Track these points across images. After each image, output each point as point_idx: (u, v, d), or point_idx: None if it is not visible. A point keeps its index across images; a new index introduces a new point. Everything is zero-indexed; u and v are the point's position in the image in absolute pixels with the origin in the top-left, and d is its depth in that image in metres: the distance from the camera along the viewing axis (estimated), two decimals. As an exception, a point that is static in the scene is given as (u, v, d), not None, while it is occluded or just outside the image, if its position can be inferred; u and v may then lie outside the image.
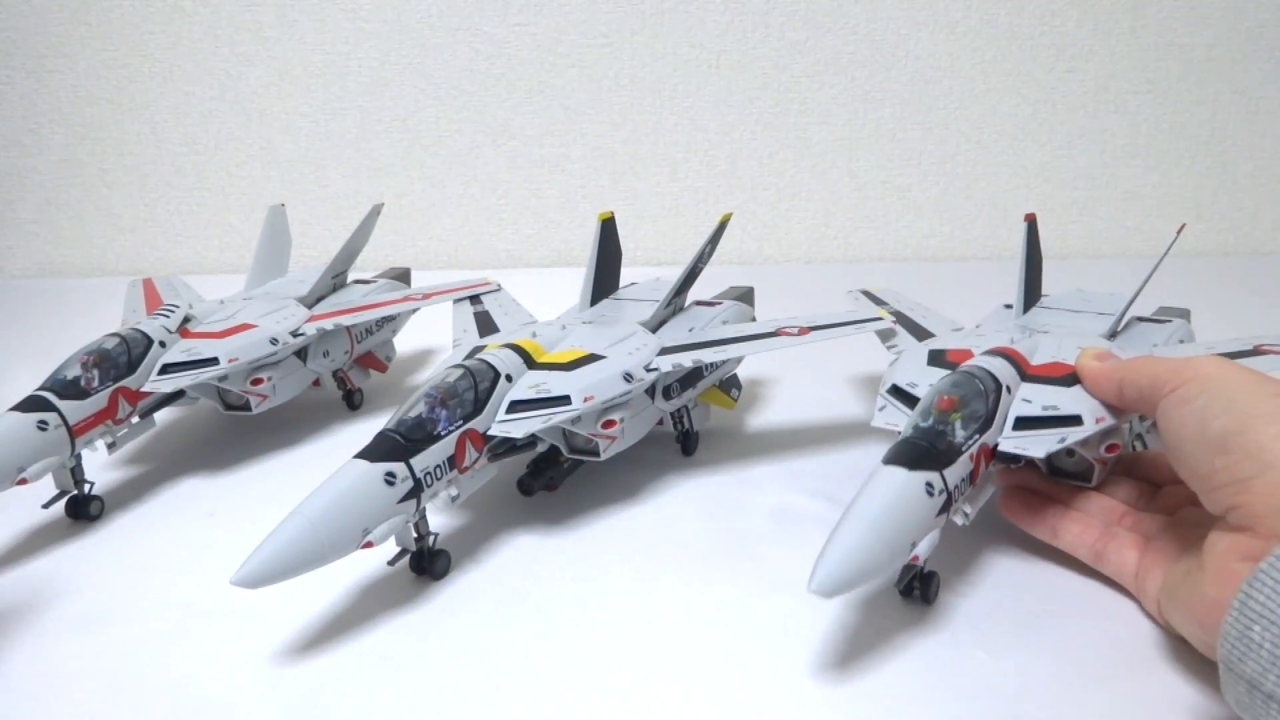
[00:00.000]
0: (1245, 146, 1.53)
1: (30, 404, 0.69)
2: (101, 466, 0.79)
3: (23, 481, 0.66)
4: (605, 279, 0.88)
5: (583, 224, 1.54)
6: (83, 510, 0.72)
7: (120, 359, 0.75)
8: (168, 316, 0.82)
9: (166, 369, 0.76)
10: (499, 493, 0.74)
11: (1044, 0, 1.45)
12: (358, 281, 1.00)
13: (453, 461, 0.63)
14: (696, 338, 0.79)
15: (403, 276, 1.04)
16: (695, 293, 0.89)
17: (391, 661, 0.56)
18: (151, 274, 1.06)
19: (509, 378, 0.68)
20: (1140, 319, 0.81)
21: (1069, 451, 0.63)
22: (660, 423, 0.78)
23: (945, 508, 0.55)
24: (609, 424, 0.69)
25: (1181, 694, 0.52)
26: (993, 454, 0.61)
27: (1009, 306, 0.85)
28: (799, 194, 1.54)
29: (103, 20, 1.44)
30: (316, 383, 0.90)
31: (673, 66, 1.47)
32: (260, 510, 0.61)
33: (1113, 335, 0.76)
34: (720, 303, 0.88)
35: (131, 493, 0.77)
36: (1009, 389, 0.63)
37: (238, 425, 0.88)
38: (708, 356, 0.74)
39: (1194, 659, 0.53)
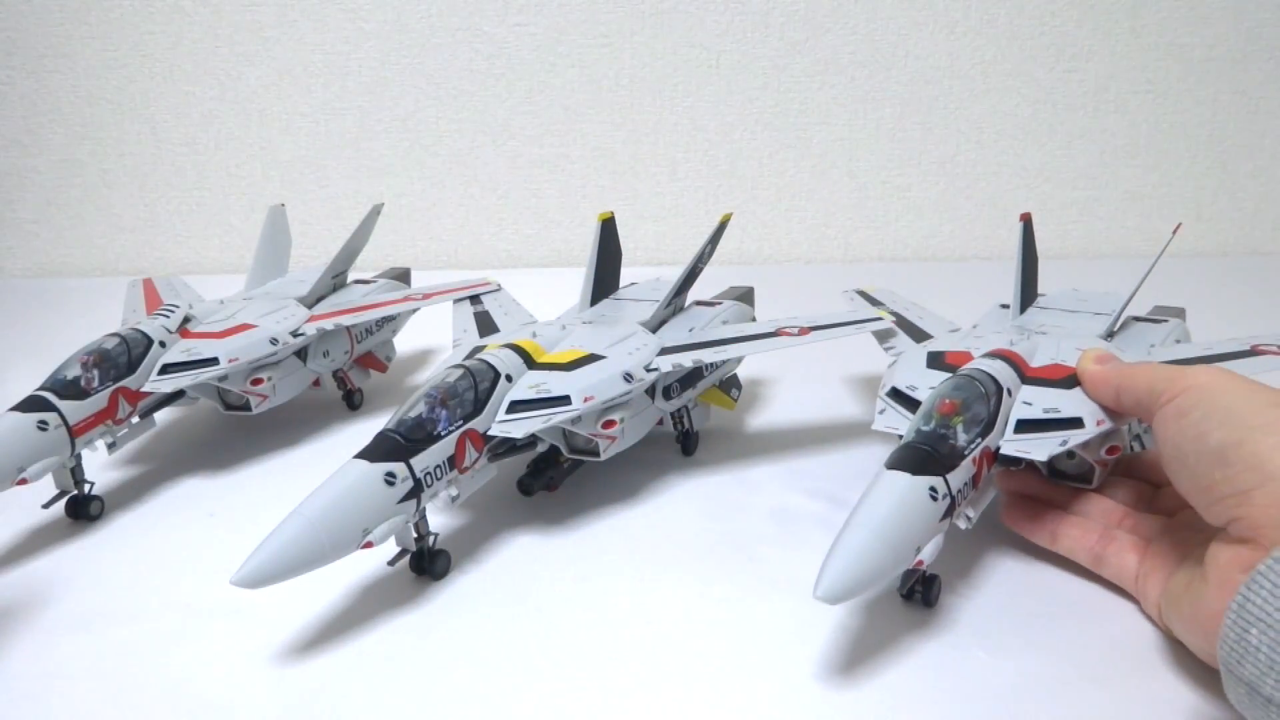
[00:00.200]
0: (1245, 146, 1.53)
1: (30, 404, 0.69)
2: (101, 466, 0.79)
3: (23, 481, 0.66)
4: (605, 279, 0.88)
5: (583, 224, 1.54)
6: (83, 510, 0.72)
7: (120, 359, 0.75)
8: (168, 316, 0.82)
9: (166, 369, 0.76)
10: (499, 493, 0.74)
11: (1044, 0, 1.45)
12: (358, 281, 1.00)
13: (453, 461, 0.63)
14: (696, 338, 0.79)
15: (403, 276, 1.04)
16: (695, 293, 0.89)
17: (391, 661, 0.56)
18: (151, 274, 1.06)
19: (509, 378, 0.68)
20: (1137, 319, 0.81)
21: (1070, 454, 0.63)
22: (660, 423, 0.78)
23: (949, 512, 0.55)
24: (609, 424, 0.70)
25: (1181, 695, 0.52)
26: (995, 457, 0.61)
27: (1005, 306, 0.85)
28: (799, 194, 1.54)
29: (103, 20, 1.44)
30: (316, 383, 0.90)
31: (673, 66, 1.47)
32: (260, 510, 0.61)
33: (1109, 335, 0.76)
34: (720, 303, 0.88)
35: (131, 493, 0.77)
36: (1010, 392, 0.63)
37: (238, 425, 0.88)
38: (708, 356, 0.74)
39: (1193, 660, 0.53)
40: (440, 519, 0.70)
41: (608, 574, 0.65)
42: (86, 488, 0.73)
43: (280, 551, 0.54)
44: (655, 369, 0.72)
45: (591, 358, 0.71)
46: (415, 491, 0.60)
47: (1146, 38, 1.47)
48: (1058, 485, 0.66)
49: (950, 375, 0.64)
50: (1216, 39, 1.47)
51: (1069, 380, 0.64)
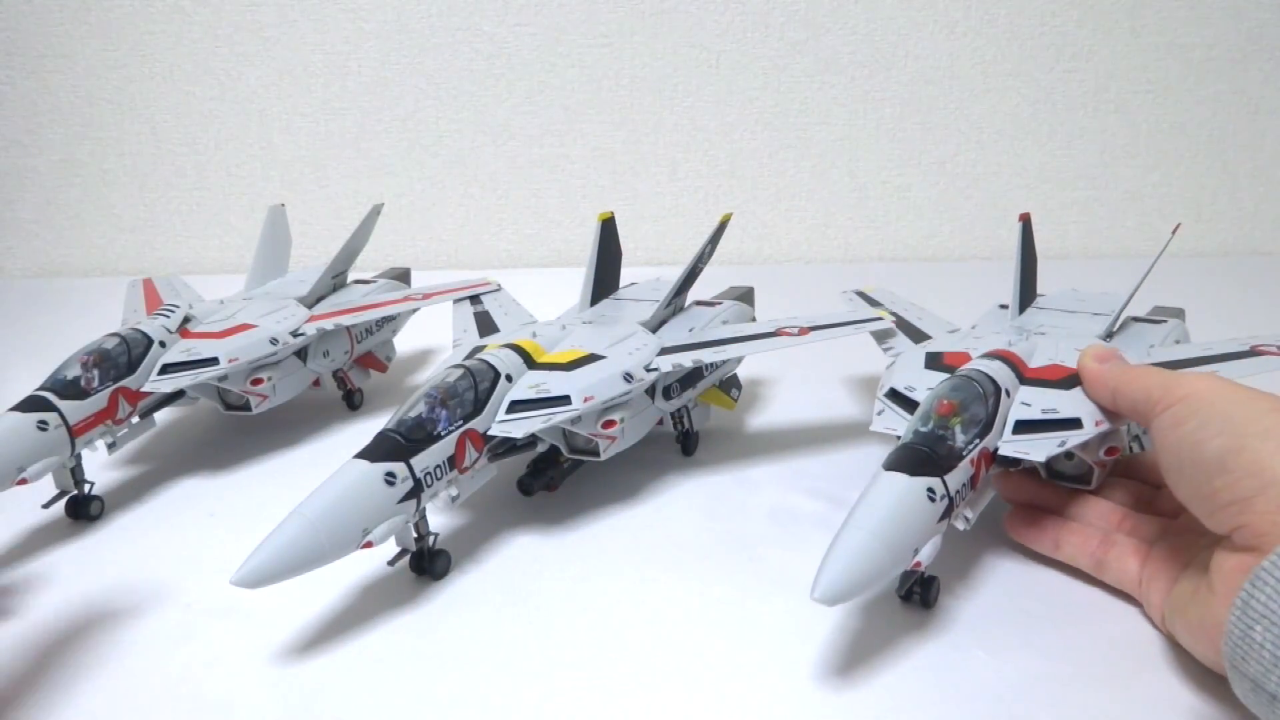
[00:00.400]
0: (1245, 146, 1.53)
1: (30, 404, 0.69)
2: (101, 466, 0.79)
3: (23, 481, 0.66)
4: (605, 279, 0.88)
5: (583, 224, 1.54)
6: (83, 510, 0.72)
7: (120, 359, 0.75)
8: (168, 316, 0.82)
9: (166, 369, 0.77)
10: (499, 493, 0.74)
11: (1044, 0, 1.45)
12: (358, 281, 1.00)
13: (453, 461, 0.63)
14: (696, 338, 0.79)
15: (403, 276, 1.04)
16: (695, 293, 0.89)
17: (392, 661, 0.56)
18: (151, 274, 1.06)
19: (509, 378, 0.68)
20: (1136, 319, 0.81)
21: (1068, 455, 0.63)
22: (660, 423, 0.78)
23: (947, 513, 0.55)
24: (609, 424, 0.70)
25: (1182, 696, 0.52)
26: (993, 458, 0.61)
27: (1004, 306, 0.85)
28: (799, 194, 1.54)
29: (103, 20, 1.44)
30: (316, 383, 0.90)
31: (673, 66, 1.47)
32: (260, 510, 0.61)
33: (1108, 336, 0.76)
34: (720, 303, 0.88)
35: (131, 493, 0.77)
36: (1008, 392, 0.63)
37: (238, 425, 0.88)
38: (708, 356, 0.74)
39: (1194, 661, 0.53)
40: (441, 519, 0.70)
41: (608, 574, 0.65)
42: (86, 488, 0.73)
43: (280, 551, 0.54)
44: (655, 369, 0.72)
45: (591, 358, 0.71)
46: (415, 491, 0.60)
47: (1146, 38, 1.47)
48: (1056, 487, 0.66)
49: (948, 376, 0.64)
50: (1216, 39, 1.47)
51: (1068, 381, 0.64)
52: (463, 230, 1.55)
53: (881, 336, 0.81)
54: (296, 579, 0.54)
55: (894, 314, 0.85)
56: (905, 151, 1.52)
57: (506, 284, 0.97)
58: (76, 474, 0.72)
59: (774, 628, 0.58)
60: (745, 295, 0.92)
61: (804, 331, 0.78)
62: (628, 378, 0.70)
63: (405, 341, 1.04)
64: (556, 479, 0.74)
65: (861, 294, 0.93)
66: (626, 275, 0.92)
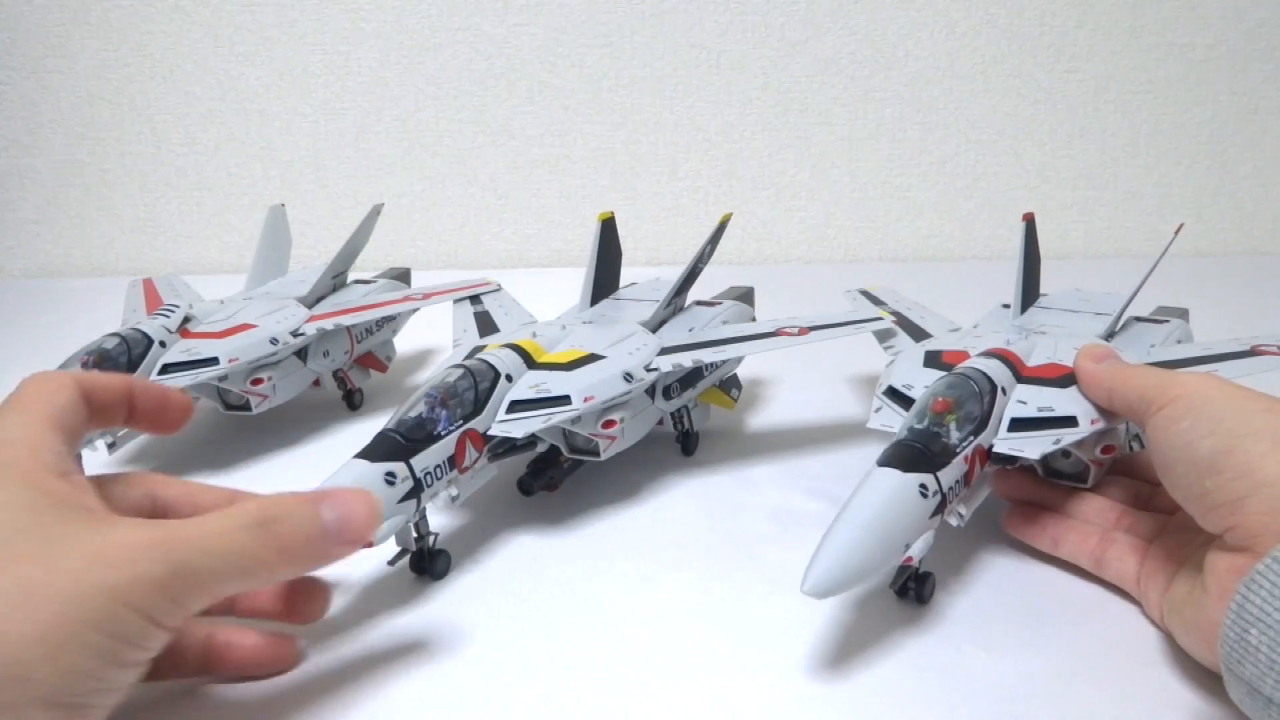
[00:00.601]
0: (1245, 146, 1.53)
1: (30, 404, 0.69)
2: (102, 466, 0.79)
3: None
4: (605, 279, 0.88)
5: (583, 224, 1.54)
6: (83, 510, 0.72)
7: (120, 359, 0.75)
8: (168, 316, 0.82)
9: (166, 369, 0.77)
10: (499, 493, 0.74)
11: (1044, 0, 1.45)
12: (358, 281, 1.00)
13: (453, 461, 0.63)
14: (696, 338, 0.79)
15: (403, 276, 1.04)
16: (695, 293, 0.89)
17: (392, 661, 0.56)
18: (151, 274, 1.06)
19: (509, 378, 0.68)
20: (1138, 319, 0.81)
21: (1065, 453, 0.63)
22: (660, 423, 0.78)
23: (940, 509, 0.55)
24: (609, 424, 0.70)
25: (1181, 695, 0.52)
26: (988, 455, 0.61)
27: (1006, 306, 0.85)
28: (799, 194, 1.54)
29: (103, 20, 1.44)
30: (316, 383, 0.90)
31: (673, 66, 1.47)
32: (260, 510, 0.61)
33: (1110, 335, 0.76)
34: (720, 303, 0.88)
35: (132, 492, 0.77)
36: (1004, 390, 0.63)
37: (238, 425, 0.88)
38: (708, 356, 0.74)
39: (1192, 660, 0.53)
40: (441, 519, 0.70)
41: (608, 573, 0.65)
42: (86, 487, 0.73)
43: None
44: (655, 369, 0.72)
45: (592, 358, 0.71)
46: (415, 491, 0.60)
47: (1146, 38, 1.47)
48: (1053, 485, 0.66)
49: (945, 373, 0.64)
50: (1216, 39, 1.47)
51: (1065, 379, 0.64)
52: (463, 230, 1.55)
53: (883, 335, 0.81)
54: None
55: (896, 313, 0.85)
56: (905, 151, 1.52)
57: (506, 284, 0.97)
58: (76, 474, 0.72)
59: (773, 626, 0.58)
60: (745, 295, 0.92)
61: (804, 331, 0.78)
62: (628, 378, 0.70)
63: (405, 341, 1.04)
64: (556, 479, 0.74)
65: (865, 293, 0.93)
66: (626, 275, 0.92)
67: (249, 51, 1.46)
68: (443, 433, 0.62)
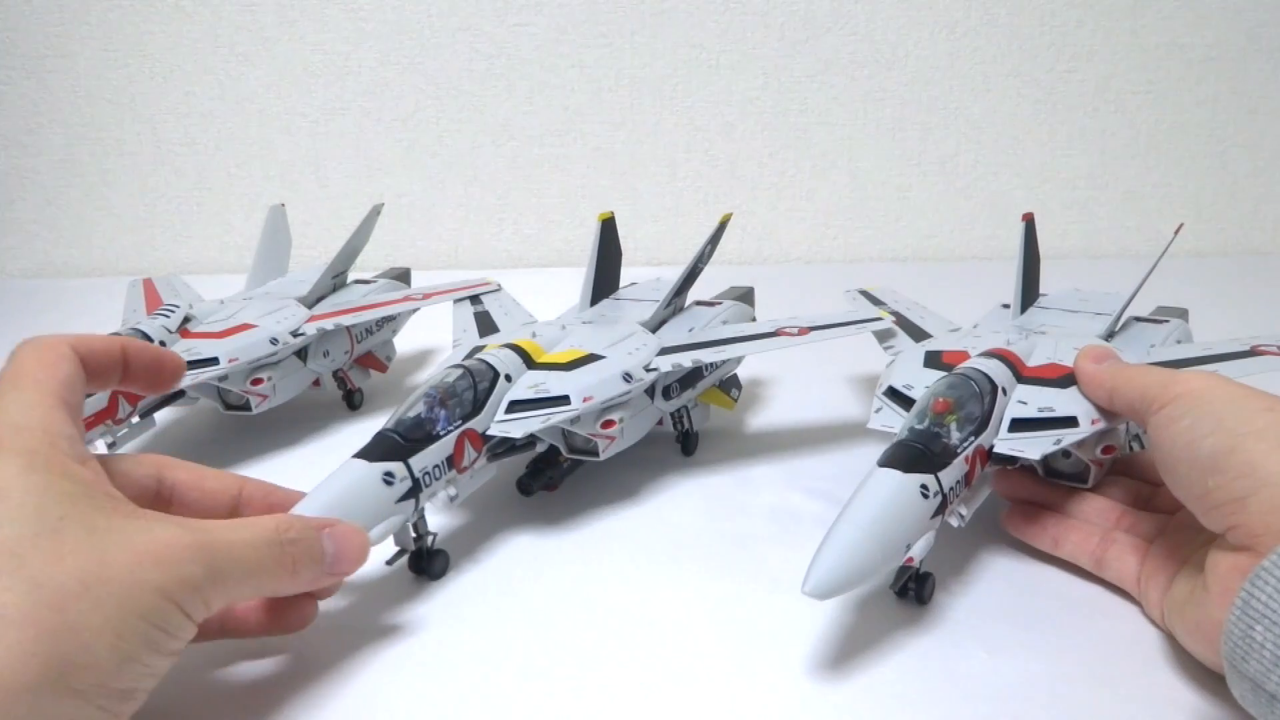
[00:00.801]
0: (1245, 146, 1.53)
1: (30, 404, 0.68)
2: (102, 466, 0.79)
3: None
4: (605, 279, 0.88)
5: (583, 224, 1.54)
6: (83, 510, 0.72)
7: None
8: (168, 316, 0.82)
9: (166, 369, 0.76)
10: (499, 493, 0.74)
11: (1044, 0, 1.45)
12: (358, 281, 1.00)
13: (451, 461, 0.63)
14: (696, 338, 0.79)
15: (403, 276, 1.04)
16: (696, 293, 0.89)
17: (390, 660, 0.56)
18: (151, 274, 1.06)
19: (508, 378, 0.68)
20: (1138, 319, 0.81)
21: (1065, 453, 0.63)
22: (659, 423, 0.78)
23: (940, 510, 0.55)
24: (608, 424, 0.70)
25: (1181, 695, 0.52)
26: (988, 456, 0.61)
27: (1006, 306, 0.85)
28: (799, 194, 1.54)
29: (103, 20, 1.44)
30: (316, 383, 0.90)
31: (673, 66, 1.47)
32: (260, 510, 0.61)
33: (1110, 335, 0.76)
34: (720, 303, 0.88)
35: (131, 493, 0.77)
36: (1004, 391, 0.63)
37: (238, 425, 0.88)
38: (707, 357, 0.74)
39: (1193, 659, 0.53)
40: (441, 519, 0.70)
41: (608, 573, 0.65)
42: (86, 487, 0.73)
43: None
44: (655, 369, 0.72)
45: (591, 358, 0.71)
46: (413, 491, 0.60)
47: (1146, 38, 1.47)
48: (1054, 485, 0.66)
49: (945, 374, 0.64)
50: (1216, 39, 1.47)
51: (1065, 379, 0.64)
52: (463, 230, 1.55)
53: (883, 335, 0.81)
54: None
55: (895, 313, 0.85)
56: (905, 151, 1.52)
57: (506, 284, 0.97)
58: (76, 474, 0.72)
59: (774, 627, 0.58)
60: (745, 295, 0.92)
61: (803, 331, 0.78)
62: (627, 378, 0.70)
63: (405, 341, 1.04)
64: (556, 479, 0.74)
65: (865, 293, 0.93)
66: (626, 275, 0.92)
67: (249, 51, 1.46)
68: (441, 433, 0.62)
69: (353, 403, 0.94)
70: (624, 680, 0.54)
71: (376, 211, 0.98)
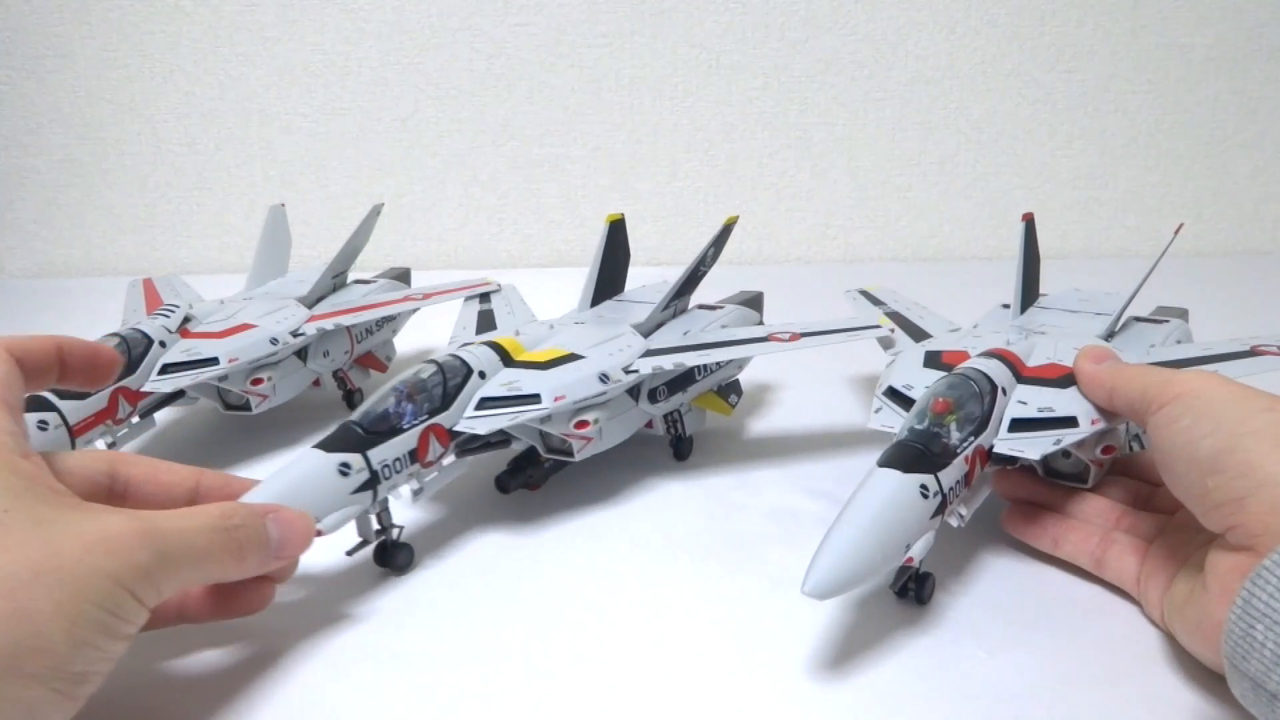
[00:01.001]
0: (1245, 146, 1.53)
1: (30, 404, 0.69)
2: (101, 466, 0.79)
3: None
4: (609, 280, 0.87)
5: (583, 224, 1.54)
6: (83, 510, 0.72)
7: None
8: (168, 316, 0.82)
9: (166, 369, 0.77)
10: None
11: (1044, 0, 1.45)
12: (358, 281, 1.00)
13: (414, 455, 0.63)
14: (688, 341, 0.78)
15: (403, 276, 1.04)
16: (706, 295, 0.88)
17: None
18: (151, 274, 1.06)
19: (482, 374, 0.68)
20: (1138, 319, 0.81)
21: (1065, 453, 0.63)
22: (650, 425, 0.78)
23: (940, 510, 0.55)
24: (581, 424, 0.69)
25: (1181, 695, 0.52)
26: (988, 456, 0.61)
27: (1006, 306, 0.85)
28: (799, 194, 1.54)
29: (103, 20, 1.44)
30: (317, 383, 0.90)
31: (673, 66, 1.47)
32: (259, 510, 0.61)
33: (1110, 335, 0.76)
34: (723, 307, 0.88)
35: (131, 493, 0.77)
36: (1004, 391, 0.63)
37: (238, 425, 0.88)
38: (690, 360, 0.74)
39: (1192, 659, 0.53)
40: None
41: (607, 573, 0.65)
42: (86, 487, 0.73)
43: None
44: (635, 371, 0.72)
45: (570, 357, 0.71)
46: (371, 483, 0.60)
47: (1146, 38, 1.47)
48: (1054, 485, 0.66)
49: (945, 374, 0.64)
50: (1216, 39, 1.47)
51: (1065, 380, 0.64)
52: (463, 230, 1.55)
53: (885, 342, 0.80)
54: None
55: (895, 313, 0.85)
56: (905, 151, 1.52)
57: (506, 284, 0.97)
58: (76, 474, 0.72)
59: (773, 626, 0.58)
60: (753, 300, 0.91)
61: (795, 338, 0.77)
62: (603, 379, 0.70)
63: (405, 341, 1.04)
64: (537, 478, 0.73)
65: (865, 293, 0.93)
66: (628, 276, 0.92)
67: (249, 51, 1.46)
68: (405, 426, 0.62)
69: (353, 403, 0.94)
70: (623, 677, 0.54)
71: (376, 211, 0.98)
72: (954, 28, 1.46)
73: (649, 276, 0.96)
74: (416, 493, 0.64)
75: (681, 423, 0.80)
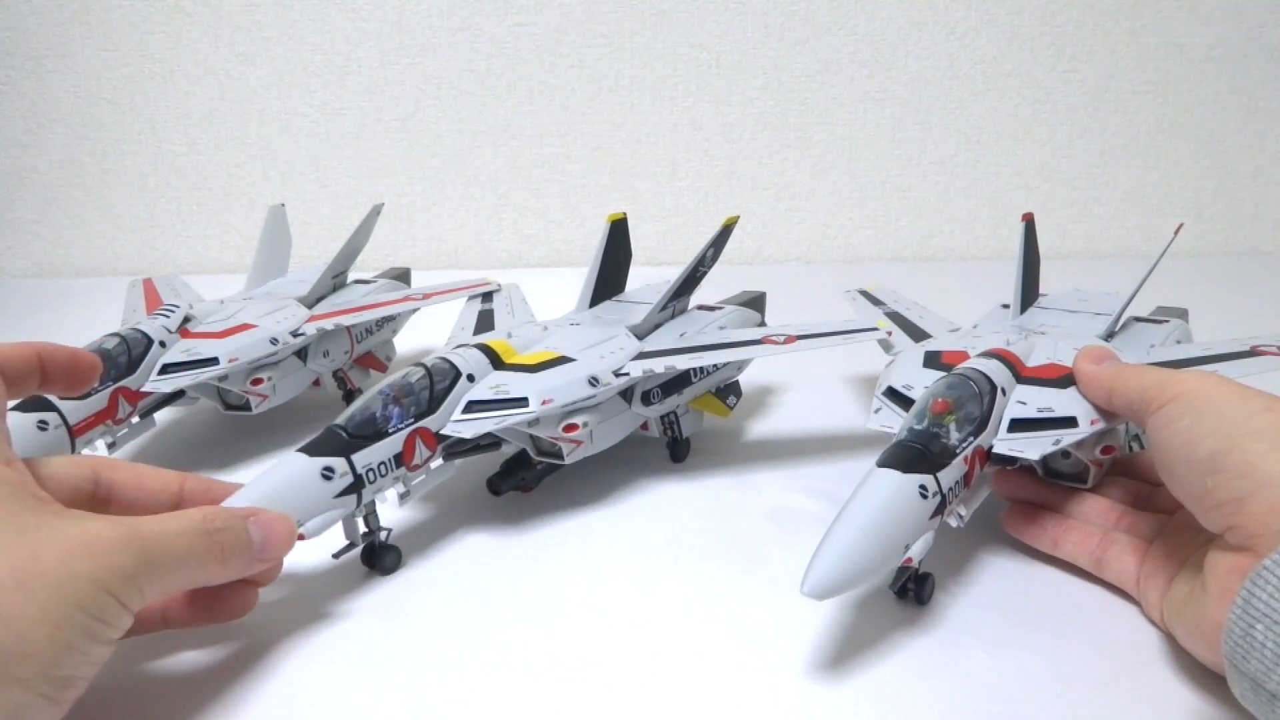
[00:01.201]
0: (1245, 146, 1.53)
1: (31, 404, 0.69)
2: (101, 466, 0.79)
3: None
4: (609, 280, 0.87)
5: (582, 224, 1.54)
6: (83, 510, 0.72)
7: (120, 359, 0.75)
8: (168, 316, 0.82)
9: (166, 369, 0.77)
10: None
11: (1044, 0, 1.45)
12: (358, 281, 1.00)
13: (400, 459, 0.63)
14: (684, 343, 0.78)
15: (403, 276, 1.04)
16: (710, 296, 0.88)
17: (382, 663, 0.56)
18: (151, 274, 1.06)
19: (470, 378, 0.68)
20: (1138, 319, 0.81)
21: (1065, 453, 0.63)
22: (645, 427, 0.78)
23: (939, 510, 0.55)
24: (570, 427, 0.69)
25: (1181, 695, 0.52)
26: (987, 456, 0.61)
27: (1006, 306, 0.85)
28: (799, 194, 1.54)
29: (103, 20, 1.44)
30: (317, 383, 0.90)
31: (673, 66, 1.47)
32: (259, 510, 0.61)
33: (1110, 336, 0.76)
34: (722, 308, 0.88)
35: (131, 493, 0.77)
36: (1004, 391, 0.63)
37: (238, 425, 0.88)
38: (682, 363, 0.73)
39: (1193, 660, 0.53)
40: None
41: (607, 574, 0.65)
42: (86, 487, 0.73)
43: None
44: (625, 373, 0.71)
45: (561, 360, 0.71)
46: (355, 487, 0.60)
47: (1146, 38, 1.47)
48: (1053, 486, 0.66)
49: (944, 374, 0.64)
50: (1216, 39, 1.47)
51: (1064, 380, 0.64)
52: (463, 230, 1.55)
53: (885, 344, 0.80)
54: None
55: (894, 313, 0.85)
56: (905, 151, 1.52)
57: (508, 284, 0.97)
58: (76, 474, 0.72)
59: (773, 627, 0.58)
60: (755, 301, 0.91)
61: (790, 340, 0.77)
62: (593, 382, 0.69)
63: (405, 341, 1.04)
64: (530, 481, 0.73)
65: (865, 293, 0.92)
66: (629, 275, 0.92)
67: (249, 51, 1.46)
68: (391, 430, 0.62)
69: (351, 403, 0.94)
70: (622, 677, 0.54)
71: (376, 211, 0.98)
72: (954, 28, 1.46)
73: (649, 277, 0.96)
74: (403, 496, 0.64)
75: (678, 425, 0.80)
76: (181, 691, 0.53)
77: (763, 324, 0.90)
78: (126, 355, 0.75)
